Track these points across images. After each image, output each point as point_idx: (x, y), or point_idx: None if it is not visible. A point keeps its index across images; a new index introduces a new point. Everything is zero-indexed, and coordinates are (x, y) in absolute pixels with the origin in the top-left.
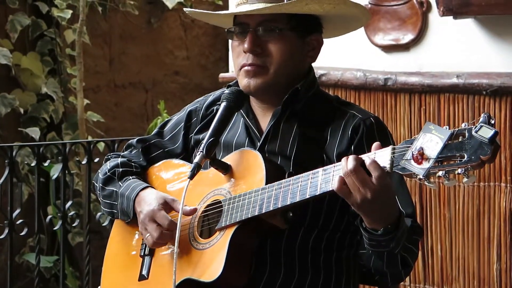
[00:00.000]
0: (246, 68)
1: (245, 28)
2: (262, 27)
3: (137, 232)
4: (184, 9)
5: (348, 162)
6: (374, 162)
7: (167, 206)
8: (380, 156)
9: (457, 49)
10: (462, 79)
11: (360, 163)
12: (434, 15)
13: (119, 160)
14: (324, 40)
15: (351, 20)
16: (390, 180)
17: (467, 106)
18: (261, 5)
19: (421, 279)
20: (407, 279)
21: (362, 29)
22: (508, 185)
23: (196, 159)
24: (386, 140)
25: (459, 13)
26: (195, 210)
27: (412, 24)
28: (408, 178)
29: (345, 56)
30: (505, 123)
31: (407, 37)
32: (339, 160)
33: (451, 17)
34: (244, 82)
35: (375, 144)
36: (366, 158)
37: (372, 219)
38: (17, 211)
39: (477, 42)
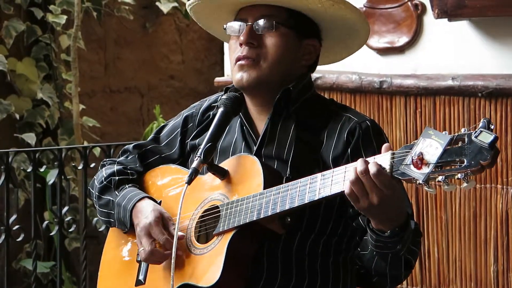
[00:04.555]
0: (240, 62)
1: (243, 23)
2: (260, 22)
3: (133, 237)
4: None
5: (360, 164)
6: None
7: (163, 221)
8: (379, 161)
9: (452, 51)
10: (457, 81)
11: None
12: (429, 18)
13: (115, 167)
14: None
15: (350, 29)
16: (397, 183)
17: (462, 108)
18: None
19: (418, 281)
20: (404, 281)
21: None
22: (504, 187)
23: (194, 164)
24: (382, 143)
25: (454, 15)
26: (182, 236)
27: (407, 27)
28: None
29: None
30: (501, 125)
31: (402, 39)
32: (334, 163)
33: (446, 19)
34: (237, 76)
35: (385, 146)
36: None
37: (380, 221)
38: (14, 216)
39: (472, 44)
